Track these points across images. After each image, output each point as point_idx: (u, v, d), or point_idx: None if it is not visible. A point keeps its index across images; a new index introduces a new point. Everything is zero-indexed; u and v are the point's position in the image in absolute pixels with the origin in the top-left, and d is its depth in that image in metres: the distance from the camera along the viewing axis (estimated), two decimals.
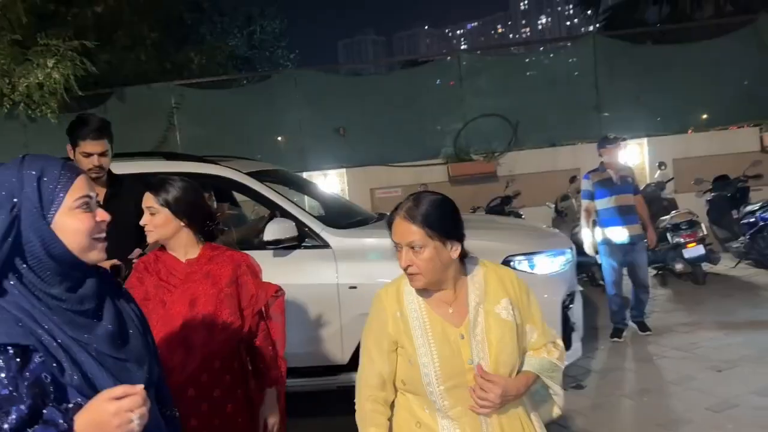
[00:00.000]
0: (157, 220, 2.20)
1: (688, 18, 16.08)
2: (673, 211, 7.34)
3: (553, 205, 8.05)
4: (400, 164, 8.94)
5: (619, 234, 5.27)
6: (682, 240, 6.78)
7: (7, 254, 1.16)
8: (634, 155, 8.93)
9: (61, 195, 1.22)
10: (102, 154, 2.96)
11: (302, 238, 3.91)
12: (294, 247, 3.87)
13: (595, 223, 5.56)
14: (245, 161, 4.84)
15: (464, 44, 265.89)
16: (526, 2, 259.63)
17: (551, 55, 11.79)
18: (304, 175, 8.94)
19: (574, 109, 9.15)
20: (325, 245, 3.93)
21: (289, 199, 4.15)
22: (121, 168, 3.37)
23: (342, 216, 4.64)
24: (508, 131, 9.04)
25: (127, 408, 1.11)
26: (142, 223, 2.23)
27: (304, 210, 4.14)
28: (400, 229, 1.72)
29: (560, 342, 1.87)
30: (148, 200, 2.22)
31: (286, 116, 9.52)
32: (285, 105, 9.43)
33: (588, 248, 5.62)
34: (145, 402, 1.14)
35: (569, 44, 10.67)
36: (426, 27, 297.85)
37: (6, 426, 1.07)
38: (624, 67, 9.29)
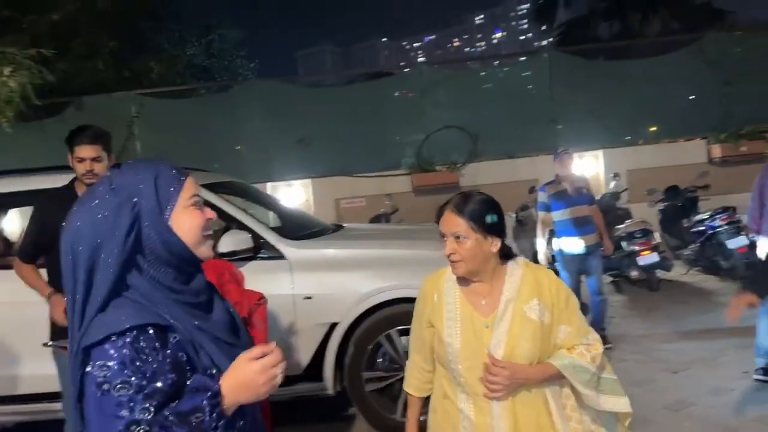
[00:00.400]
0: None
1: (638, 34, 16.77)
2: (628, 221, 7.63)
3: (514, 215, 8.26)
4: (365, 175, 9.02)
5: (575, 245, 5.39)
6: (636, 248, 7.06)
7: (130, 251, 1.23)
8: (590, 166, 9.27)
9: (177, 194, 1.30)
10: (95, 160, 3.04)
11: (257, 250, 3.94)
12: (249, 259, 3.90)
13: (552, 234, 5.73)
14: (201, 173, 4.80)
15: (422, 57, 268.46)
16: (481, 17, 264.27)
17: (509, 69, 12.09)
18: (269, 185, 8.95)
19: (531, 121, 9.42)
20: (281, 256, 3.96)
21: (244, 211, 4.18)
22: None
23: (298, 227, 4.68)
24: (469, 143, 9.24)
25: (271, 364, 1.23)
26: None
27: (260, 221, 4.17)
28: (447, 221, 1.91)
29: (599, 346, 1.96)
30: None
31: (249, 126, 9.52)
32: (247, 115, 9.42)
33: (542, 259, 5.77)
34: (283, 357, 1.25)
35: (526, 59, 10.96)
36: (384, 39, 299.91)
37: (155, 399, 1.15)
38: (578, 82, 9.61)
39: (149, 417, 1.13)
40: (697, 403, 4.01)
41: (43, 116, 8.70)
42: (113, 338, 1.16)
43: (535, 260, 5.56)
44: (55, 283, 3.12)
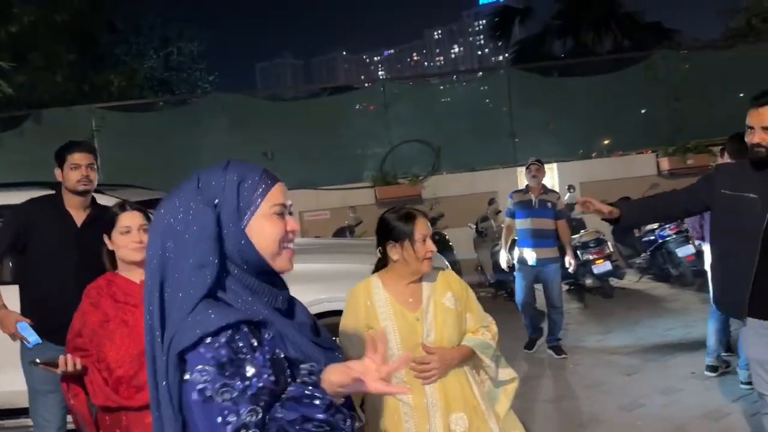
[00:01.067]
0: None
1: (591, 51, 17.36)
2: (582, 231, 7.93)
3: (474, 226, 8.48)
4: (329, 187, 9.13)
5: (529, 255, 5.50)
6: (591, 257, 7.34)
7: (216, 250, 1.20)
8: (546, 179, 9.57)
9: (259, 201, 1.25)
10: (89, 166, 3.13)
11: None
12: None
13: (515, 242, 5.92)
14: (137, 190, 4.78)
15: (381, 71, 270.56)
16: (439, 32, 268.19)
17: (468, 85, 12.42)
18: None
19: (490, 135, 9.70)
20: None
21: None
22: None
23: None
24: (431, 156, 9.45)
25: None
26: (133, 243, 2.35)
27: None
28: (425, 225, 2.28)
29: (494, 327, 2.41)
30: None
31: (212, 139, 9.51)
32: (210, 128, 9.43)
33: (503, 265, 5.97)
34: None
35: (485, 75, 11.29)
36: (344, 53, 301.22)
37: (261, 399, 1.11)
38: (534, 97, 9.96)
39: (257, 419, 1.09)
40: (648, 403, 4.23)
41: (1, 129, 8.57)
42: (207, 339, 1.12)
43: (497, 268, 5.75)
44: (30, 293, 3.13)
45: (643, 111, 10.37)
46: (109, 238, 2.36)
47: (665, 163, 9.32)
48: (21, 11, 9.58)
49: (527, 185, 5.71)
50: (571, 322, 6.52)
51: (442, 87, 12.85)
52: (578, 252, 7.53)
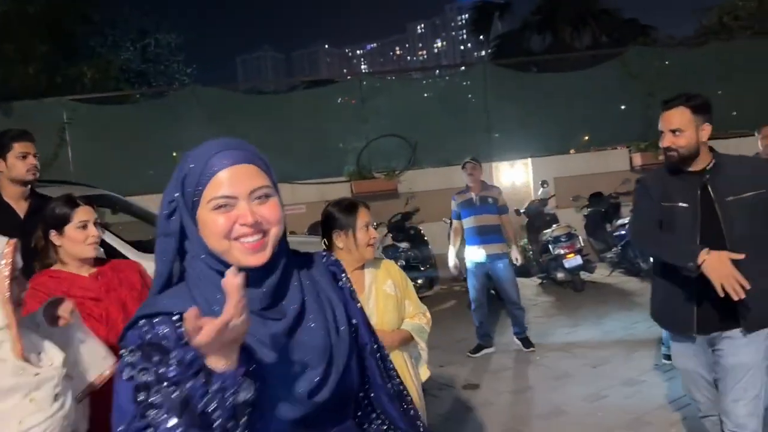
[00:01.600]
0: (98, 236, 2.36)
1: (568, 47, 17.52)
2: (554, 225, 8.02)
3: (449, 221, 8.52)
4: (305, 182, 9.13)
5: (477, 253, 5.53)
6: (562, 251, 7.43)
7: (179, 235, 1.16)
8: (520, 174, 9.68)
9: (198, 194, 1.15)
10: (36, 155, 3.11)
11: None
12: None
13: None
14: (79, 187, 4.74)
15: (364, 64, 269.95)
16: (422, 26, 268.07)
17: (447, 80, 12.46)
18: None
19: (467, 130, 9.75)
20: None
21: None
22: None
23: None
24: (408, 150, 9.48)
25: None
26: (92, 237, 2.34)
27: (117, 235, 4.33)
28: (366, 215, 2.48)
29: (428, 314, 2.64)
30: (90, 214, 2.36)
31: (187, 133, 9.41)
32: (185, 121, 9.35)
33: (451, 266, 5.95)
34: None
35: (463, 69, 11.33)
36: (326, 46, 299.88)
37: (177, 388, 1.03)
38: (512, 92, 10.02)
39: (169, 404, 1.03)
40: (611, 395, 4.31)
41: None
42: (140, 322, 1.11)
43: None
44: None
45: (620, 107, 10.48)
46: (59, 234, 2.32)
47: (638, 159, 9.45)
48: None
49: (467, 185, 5.73)
50: (541, 315, 6.60)
51: (421, 82, 12.88)
52: (550, 246, 7.63)
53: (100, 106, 9.67)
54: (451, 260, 5.91)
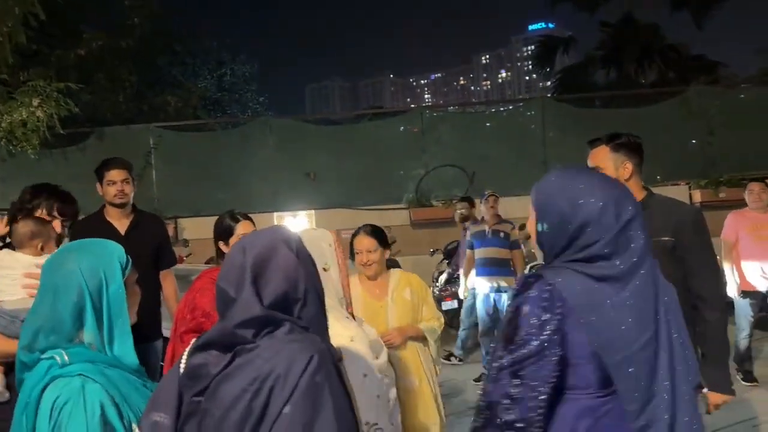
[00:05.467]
0: None
1: (633, 83, 17.47)
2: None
3: (433, 251, 8.73)
4: (365, 207, 9.56)
5: (482, 284, 5.77)
6: None
7: None
8: None
9: None
10: (124, 181, 3.58)
11: None
12: None
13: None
14: None
15: (427, 94, 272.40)
16: (487, 57, 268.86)
17: (506, 112, 12.76)
18: (275, 215, 9.48)
19: (524, 163, 9.99)
20: None
21: None
22: None
23: None
24: (465, 180, 9.81)
25: None
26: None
27: None
28: (363, 241, 3.09)
29: (442, 320, 3.24)
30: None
31: (259, 160, 10.09)
32: (258, 149, 10.02)
33: (460, 293, 6.29)
34: None
35: (521, 105, 11.62)
36: (391, 76, 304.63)
37: None
38: (570, 127, 10.21)
39: None
40: None
41: (65, 144, 9.29)
42: None
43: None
44: None
45: (681, 144, 10.50)
46: (226, 244, 2.85)
47: (698, 195, 9.43)
48: (90, 37, 10.44)
49: (482, 216, 5.98)
50: None
51: (481, 114, 13.23)
52: None
53: (182, 133, 10.45)
54: (461, 288, 6.16)
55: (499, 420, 1.45)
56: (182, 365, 1.28)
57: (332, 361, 1.28)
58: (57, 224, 2.78)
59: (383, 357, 2.04)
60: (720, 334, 2.49)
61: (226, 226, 2.88)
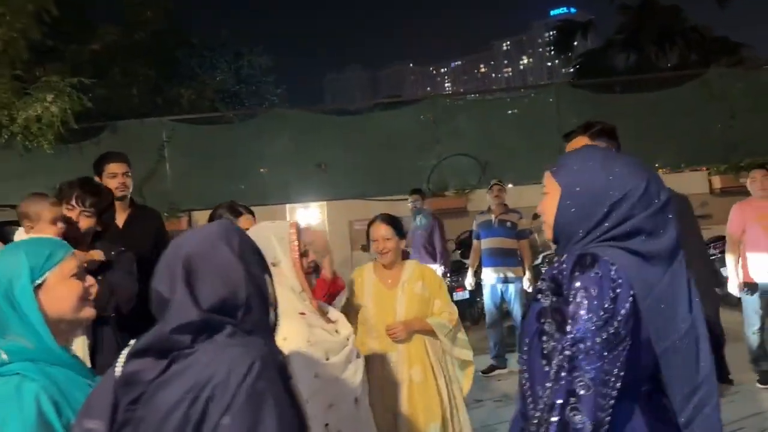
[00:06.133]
0: None
1: (654, 66, 17.12)
2: None
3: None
4: (377, 198, 9.50)
5: (488, 275, 5.67)
6: None
7: None
8: None
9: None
10: (125, 174, 3.60)
11: None
12: None
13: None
14: None
15: (447, 82, 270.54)
16: (508, 43, 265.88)
17: (521, 100, 12.57)
18: (287, 207, 9.47)
19: (539, 150, 9.82)
20: None
21: None
22: None
23: None
24: (480, 170, 9.69)
25: None
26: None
27: None
28: (380, 229, 3.10)
29: (455, 314, 3.13)
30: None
31: (272, 151, 10.08)
32: (271, 141, 10.00)
33: (466, 284, 6.18)
34: None
35: (539, 90, 11.44)
36: (411, 65, 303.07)
37: None
38: (587, 113, 9.96)
39: None
40: None
41: (80, 139, 9.37)
42: None
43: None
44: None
45: (701, 128, 10.25)
46: None
47: (717, 182, 9.21)
48: (104, 31, 10.50)
49: (489, 206, 5.88)
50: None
51: (495, 102, 13.06)
52: None
53: (196, 126, 10.47)
54: (468, 279, 6.05)
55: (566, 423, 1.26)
56: (117, 371, 1.22)
57: (277, 366, 1.20)
58: (79, 216, 2.86)
59: (338, 357, 1.93)
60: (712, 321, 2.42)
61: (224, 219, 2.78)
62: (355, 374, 1.95)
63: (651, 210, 1.44)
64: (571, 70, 21.55)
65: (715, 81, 9.78)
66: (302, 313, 1.89)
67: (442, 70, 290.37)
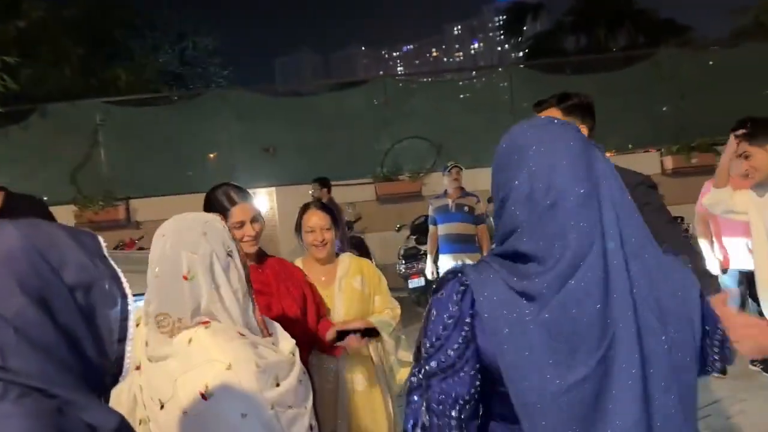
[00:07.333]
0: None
1: (603, 48, 17.22)
2: None
3: (399, 228, 8.43)
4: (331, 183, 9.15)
5: (446, 262, 5.38)
6: None
7: None
8: None
9: None
10: None
11: None
12: None
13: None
14: None
15: (400, 66, 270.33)
16: (459, 28, 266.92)
17: (474, 82, 12.39)
18: None
19: (493, 133, 9.59)
20: None
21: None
22: None
23: None
24: (434, 153, 9.45)
25: None
26: (248, 236, 2.28)
27: None
28: (316, 217, 2.70)
29: (397, 310, 2.82)
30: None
31: (217, 134, 9.61)
32: (215, 123, 9.52)
33: (427, 273, 5.89)
34: None
35: (491, 72, 11.27)
36: (362, 48, 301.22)
37: None
38: (540, 94, 9.70)
39: None
40: None
41: (7, 123, 8.72)
42: None
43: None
44: None
45: (652, 109, 10.26)
46: None
47: (669, 162, 9.22)
48: (29, 6, 9.77)
49: (445, 190, 5.61)
50: None
51: (448, 85, 12.84)
52: None
53: (132, 108, 9.90)
54: (428, 267, 5.82)
55: None
56: None
57: None
58: None
59: (289, 381, 1.52)
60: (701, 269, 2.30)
61: (218, 207, 2.23)
62: (306, 397, 1.59)
63: (533, 218, 1.14)
64: (521, 54, 21.56)
65: (665, 62, 9.77)
66: (241, 334, 1.47)
67: (394, 54, 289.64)
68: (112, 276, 0.90)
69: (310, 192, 6.92)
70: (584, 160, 1.15)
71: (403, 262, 7.65)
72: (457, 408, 1.12)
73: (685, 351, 1.11)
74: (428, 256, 5.84)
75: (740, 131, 2.84)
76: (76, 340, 0.84)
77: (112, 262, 0.92)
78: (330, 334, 2.52)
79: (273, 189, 9.26)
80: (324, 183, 6.98)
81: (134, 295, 0.95)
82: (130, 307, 0.91)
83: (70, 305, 0.84)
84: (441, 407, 1.12)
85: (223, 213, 2.22)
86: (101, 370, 0.87)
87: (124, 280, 0.92)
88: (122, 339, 0.90)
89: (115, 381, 0.90)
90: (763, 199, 2.88)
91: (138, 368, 1.51)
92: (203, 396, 1.35)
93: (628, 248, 1.10)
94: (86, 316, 0.86)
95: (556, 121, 1.26)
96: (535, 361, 1.06)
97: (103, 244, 0.93)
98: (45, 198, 8.53)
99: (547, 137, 1.19)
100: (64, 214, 8.11)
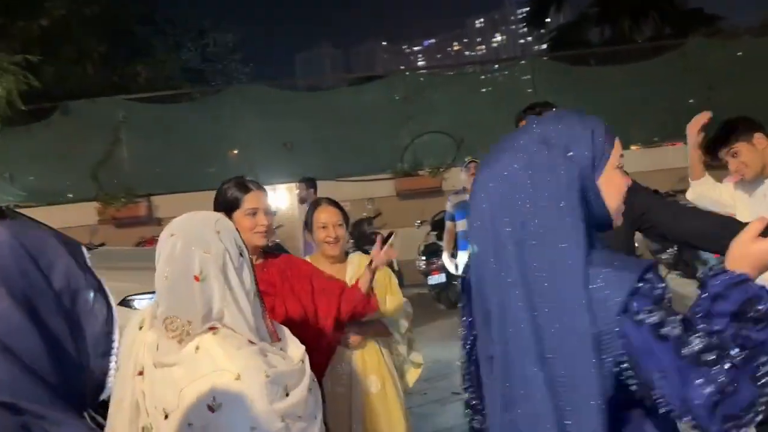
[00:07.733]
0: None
1: (628, 39, 16.85)
2: None
3: (419, 224, 8.30)
4: (348, 179, 9.09)
5: (465, 258, 5.19)
6: None
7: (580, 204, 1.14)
8: None
9: (609, 151, 1.18)
10: None
11: None
12: None
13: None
14: None
15: (421, 60, 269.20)
16: (481, 21, 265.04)
17: (496, 75, 12.22)
18: None
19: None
20: None
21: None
22: None
23: None
24: (455, 147, 9.33)
25: None
26: (261, 226, 2.18)
27: None
28: (329, 213, 2.59)
29: (409, 309, 2.73)
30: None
31: (237, 131, 9.60)
32: (236, 119, 9.51)
33: (450, 268, 5.76)
34: None
35: (513, 65, 11.10)
36: (383, 43, 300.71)
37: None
38: (563, 86, 9.68)
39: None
40: None
41: (29, 121, 8.81)
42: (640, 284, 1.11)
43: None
44: None
45: (679, 101, 10.01)
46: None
47: None
48: (52, 5, 9.85)
49: (464, 186, 5.52)
50: None
51: (469, 78, 12.69)
52: None
53: (153, 105, 9.93)
54: (447, 262, 5.73)
55: None
56: None
57: None
58: None
59: (299, 390, 1.45)
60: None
61: (230, 198, 2.14)
62: (316, 407, 1.51)
63: None
64: (545, 45, 21.23)
65: (693, 52, 9.51)
66: (250, 341, 1.40)
67: (415, 48, 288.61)
68: (98, 288, 0.86)
69: (296, 192, 6.71)
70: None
71: (424, 258, 7.56)
72: None
73: None
74: (444, 253, 5.74)
75: (705, 119, 2.83)
76: (60, 350, 0.78)
77: (96, 274, 0.86)
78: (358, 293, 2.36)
79: (293, 185, 9.21)
80: (311, 183, 6.84)
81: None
82: (114, 322, 0.85)
83: (56, 310, 0.79)
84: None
85: (236, 202, 2.16)
86: (82, 383, 0.81)
87: (109, 292, 0.86)
88: (106, 353, 0.84)
89: (96, 396, 0.84)
90: (752, 197, 2.81)
91: (141, 373, 1.44)
92: (210, 408, 1.30)
93: None
94: (71, 325, 0.81)
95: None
96: None
97: (87, 255, 0.88)
98: (69, 195, 8.66)
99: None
100: (87, 211, 8.19)
